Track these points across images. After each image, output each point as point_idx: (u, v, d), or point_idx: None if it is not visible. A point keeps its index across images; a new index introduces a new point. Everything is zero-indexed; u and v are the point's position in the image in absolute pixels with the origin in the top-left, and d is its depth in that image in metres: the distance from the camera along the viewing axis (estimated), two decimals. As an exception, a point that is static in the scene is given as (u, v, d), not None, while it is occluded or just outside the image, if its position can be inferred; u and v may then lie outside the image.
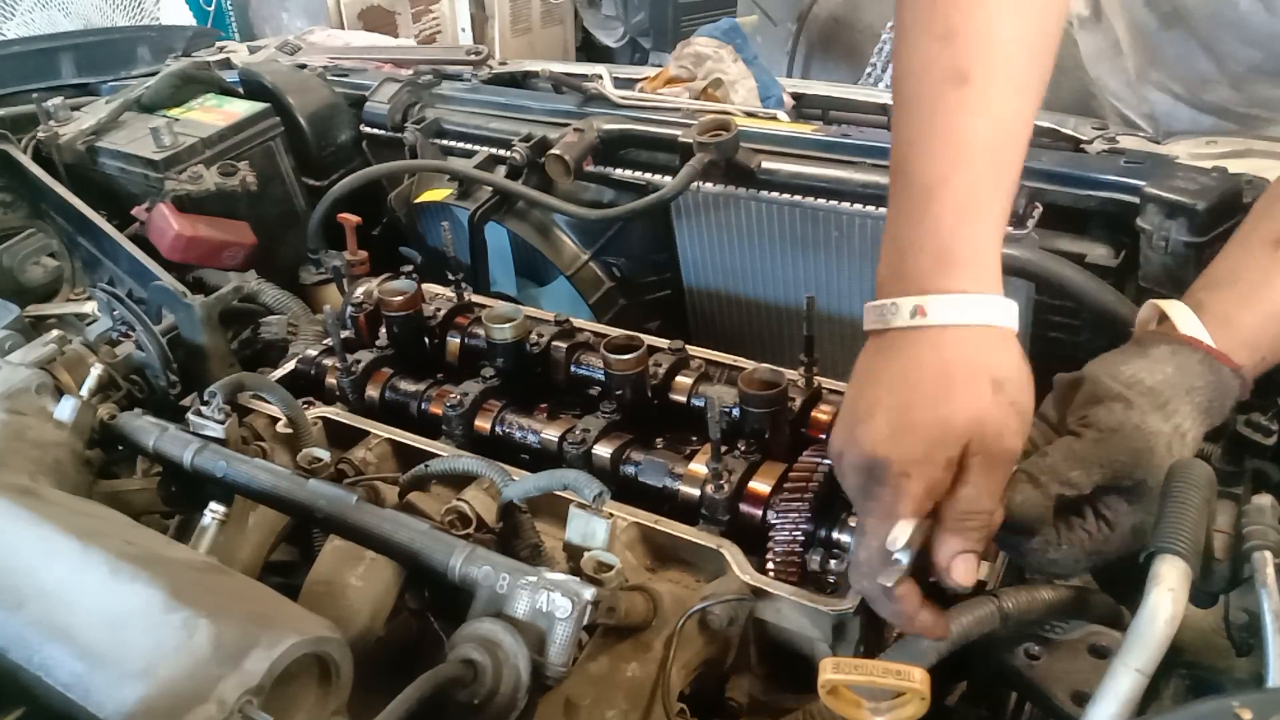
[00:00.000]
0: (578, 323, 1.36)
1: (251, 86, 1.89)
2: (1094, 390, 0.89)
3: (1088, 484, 0.85)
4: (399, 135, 1.84)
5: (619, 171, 1.65)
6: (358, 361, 1.32)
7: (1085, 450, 0.85)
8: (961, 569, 0.83)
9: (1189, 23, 1.57)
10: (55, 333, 1.35)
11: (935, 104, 0.89)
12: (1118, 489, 0.86)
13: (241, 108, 1.84)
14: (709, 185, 1.55)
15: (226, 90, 1.93)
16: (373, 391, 1.31)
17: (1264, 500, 0.93)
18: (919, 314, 0.85)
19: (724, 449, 1.06)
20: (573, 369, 1.28)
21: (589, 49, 5.17)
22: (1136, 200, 1.25)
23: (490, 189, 1.70)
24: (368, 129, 1.90)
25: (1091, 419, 0.87)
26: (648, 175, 1.63)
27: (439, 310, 1.37)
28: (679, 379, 1.23)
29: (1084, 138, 1.43)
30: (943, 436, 0.81)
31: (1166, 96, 1.69)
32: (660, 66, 1.89)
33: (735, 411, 1.12)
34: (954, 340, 0.85)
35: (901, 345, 0.86)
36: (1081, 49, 1.81)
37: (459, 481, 1.10)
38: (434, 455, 1.16)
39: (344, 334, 1.36)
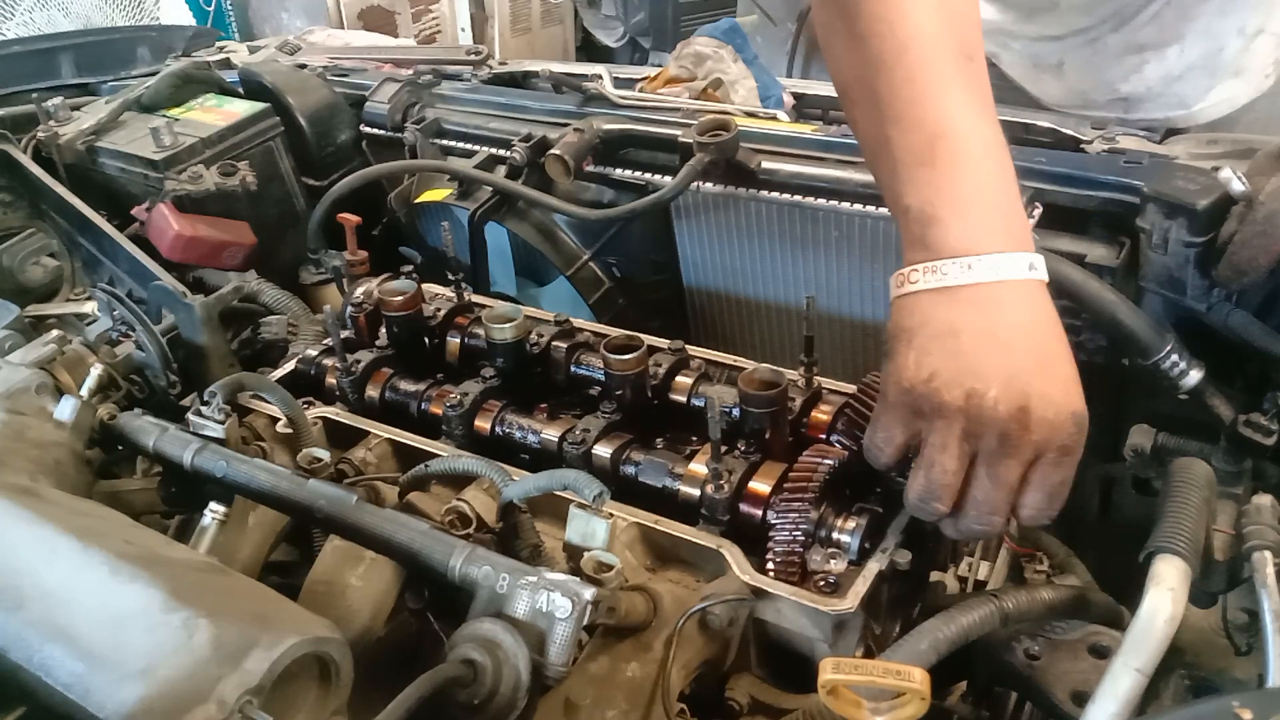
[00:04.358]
0: (578, 323, 1.36)
1: (251, 86, 1.89)
2: None
3: None
4: (399, 135, 1.83)
5: (619, 171, 1.65)
6: (358, 361, 1.32)
7: None
8: None
9: None
10: (55, 333, 1.35)
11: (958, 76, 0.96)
12: None
13: (241, 108, 1.84)
14: (709, 185, 1.54)
15: (226, 90, 1.93)
16: (373, 391, 1.31)
17: (1264, 500, 0.94)
18: (1033, 268, 0.92)
19: (724, 449, 1.06)
20: (573, 369, 1.28)
21: (589, 49, 5.18)
22: (1136, 200, 1.25)
23: (490, 189, 1.70)
24: (368, 129, 1.90)
25: None
26: (648, 175, 1.62)
27: (439, 310, 1.37)
28: (679, 379, 1.23)
29: (1084, 138, 1.43)
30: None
31: None
32: (660, 66, 1.88)
33: (735, 411, 1.12)
34: (1045, 293, 0.93)
35: (1020, 295, 0.91)
36: None
37: (459, 481, 1.10)
38: (434, 455, 1.16)
39: (344, 334, 1.36)
